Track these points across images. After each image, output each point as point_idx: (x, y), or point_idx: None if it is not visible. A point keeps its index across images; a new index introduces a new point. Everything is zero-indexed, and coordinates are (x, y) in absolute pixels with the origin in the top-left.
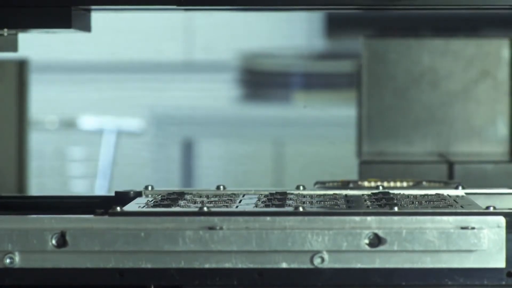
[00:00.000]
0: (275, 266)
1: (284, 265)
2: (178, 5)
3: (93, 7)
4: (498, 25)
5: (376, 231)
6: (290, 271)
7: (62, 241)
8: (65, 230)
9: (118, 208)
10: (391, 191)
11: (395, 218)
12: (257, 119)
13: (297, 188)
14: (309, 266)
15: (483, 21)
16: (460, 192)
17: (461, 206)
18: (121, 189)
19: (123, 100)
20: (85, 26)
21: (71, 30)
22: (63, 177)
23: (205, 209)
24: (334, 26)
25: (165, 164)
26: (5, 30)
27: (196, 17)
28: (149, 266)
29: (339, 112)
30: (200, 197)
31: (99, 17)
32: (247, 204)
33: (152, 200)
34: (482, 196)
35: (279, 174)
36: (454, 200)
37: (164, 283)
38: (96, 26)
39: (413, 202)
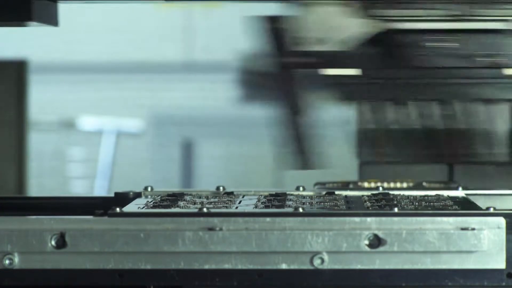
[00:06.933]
0: (275, 267)
1: (284, 266)
2: None
3: None
4: None
5: (376, 232)
6: (290, 272)
7: (61, 242)
8: (65, 231)
9: (118, 209)
10: (391, 192)
11: (395, 219)
12: (257, 119)
13: (297, 188)
14: (309, 267)
15: None
16: (460, 193)
17: (461, 207)
18: (120, 189)
19: (123, 101)
20: (50, 19)
21: (34, 23)
22: (62, 177)
23: (205, 210)
24: None
25: (165, 165)
26: None
27: (196, 18)
28: (148, 267)
29: (338, 112)
30: (200, 197)
31: (99, 18)
32: (247, 205)
33: (152, 201)
34: (482, 197)
35: (279, 175)
36: (454, 201)
37: (163, 284)
38: (97, 26)
39: (413, 203)
